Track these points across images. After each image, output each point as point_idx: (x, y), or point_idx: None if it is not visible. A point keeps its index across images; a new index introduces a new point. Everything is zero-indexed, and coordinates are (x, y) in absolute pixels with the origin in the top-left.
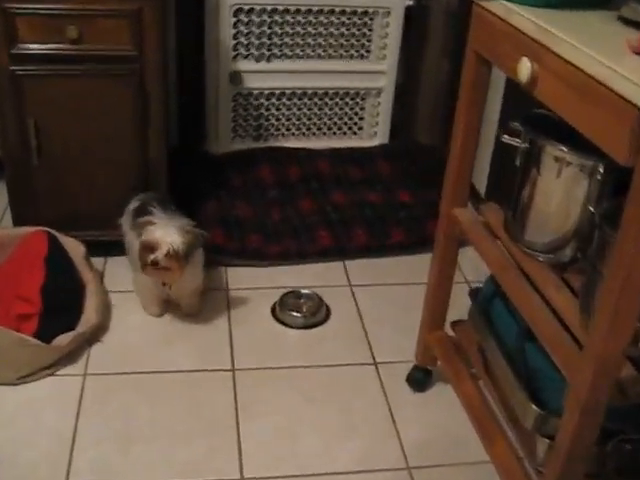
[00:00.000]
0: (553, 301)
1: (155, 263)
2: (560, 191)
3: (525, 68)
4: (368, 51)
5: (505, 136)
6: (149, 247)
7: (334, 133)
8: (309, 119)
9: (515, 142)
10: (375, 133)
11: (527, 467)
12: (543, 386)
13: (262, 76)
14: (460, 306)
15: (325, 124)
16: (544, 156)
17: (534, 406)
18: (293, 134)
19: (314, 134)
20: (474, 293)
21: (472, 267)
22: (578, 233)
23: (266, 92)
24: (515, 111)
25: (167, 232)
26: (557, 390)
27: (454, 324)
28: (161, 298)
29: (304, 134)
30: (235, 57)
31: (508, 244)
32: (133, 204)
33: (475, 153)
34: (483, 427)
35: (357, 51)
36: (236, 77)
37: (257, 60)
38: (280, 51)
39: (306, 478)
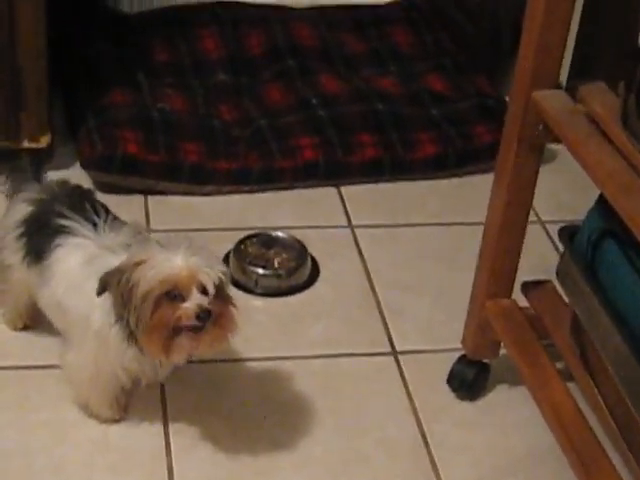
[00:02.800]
0: None
1: (202, 317)
2: None
3: None
4: None
5: None
6: (170, 294)
7: None
8: None
9: None
10: None
11: None
12: None
13: None
14: (535, 260)
15: None
16: None
17: None
18: None
19: None
20: (568, 233)
21: (549, 195)
22: None
23: None
24: None
25: (190, 257)
26: None
27: (528, 287)
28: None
29: None
30: None
31: (630, 149)
32: (19, 210)
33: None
34: (579, 453)
35: None
36: None
37: None
38: None
39: None
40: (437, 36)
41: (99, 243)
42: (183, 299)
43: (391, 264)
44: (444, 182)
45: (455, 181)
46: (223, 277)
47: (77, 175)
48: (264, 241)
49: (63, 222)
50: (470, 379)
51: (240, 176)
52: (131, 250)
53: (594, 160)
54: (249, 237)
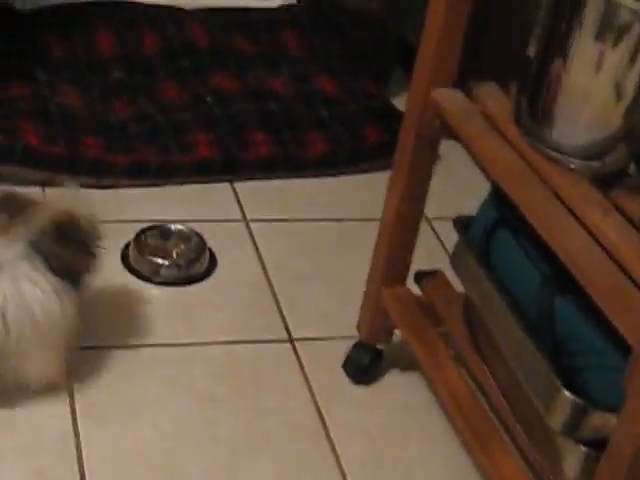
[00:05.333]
0: (599, 231)
1: None
2: (612, 60)
3: None
4: None
5: None
6: None
7: None
8: None
9: None
10: None
11: None
12: (582, 364)
13: None
14: (422, 252)
15: None
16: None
17: (568, 393)
18: None
19: None
20: (462, 223)
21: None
22: (635, 129)
23: None
24: None
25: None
26: (605, 370)
27: (421, 276)
28: None
29: None
30: None
31: (521, 145)
32: None
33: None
34: (475, 431)
35: None
36: None
37: None
38: None
39: None
40: (325, 40)
41: None
42: None
43: (285, 256)
44: (334, 180)
45: (345, 179)
46: None
47: None
48: (163, 233)
49: None
50: (365, 364)
51: (138, 170)
52: None
53: (492, 155)
54: (148, 229)
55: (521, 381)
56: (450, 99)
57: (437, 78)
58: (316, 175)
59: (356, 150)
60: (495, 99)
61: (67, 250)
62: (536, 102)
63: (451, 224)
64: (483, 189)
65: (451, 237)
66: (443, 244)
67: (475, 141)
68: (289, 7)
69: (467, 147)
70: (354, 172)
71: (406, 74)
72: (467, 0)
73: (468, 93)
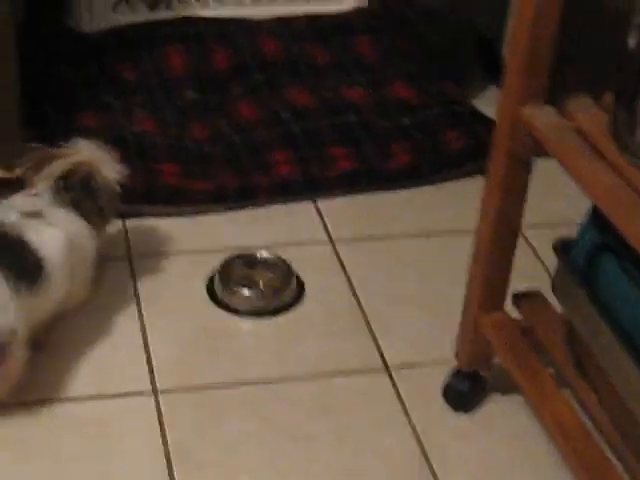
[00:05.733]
0: None
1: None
2: None
3: None
4: None
5: None
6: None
7: None
8: None
9: None
10: None
11: None
12: None
13: None
14: (518, 270)
15: None
16: None
17: None
18: None
19: None
20: (563, 246)
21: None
22: None
23: None
24: None
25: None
26: None
27: (519, 298)
28: None
29: None
30: None
31: (620, 162)
32: None
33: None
34: (584, 461)
35: None
36: None
37: None
38: None
39: None
40: (400, 44)
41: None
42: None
43: (375, 277)
44: (419, 190)
45: (429, 189)
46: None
47: None
48: (248, 261)
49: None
50: (465, 392)
51: (218, 196)
52: None
53: (589, 176)
54: (233, 258)
55: (633, 411)
56: (542, 116)
57: (527, 95)
58: (400, 187)
59: (440, 158)
60: (588, 113)
61: (87, 199)
62: (635, 112)
63: (543, 231)
64: (569, 190)
65: (544, 247)
66: (536, 252)
67: (571, 161)
68: (360, 10)
69: (565, 168)
70: (439, 181)
71: (486, 72)
72: (557, 10)
73: (559, 107)
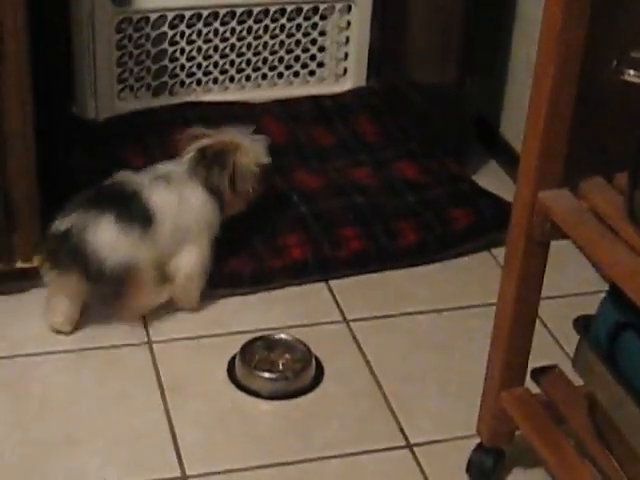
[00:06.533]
0: None
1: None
2: None
3: None
4: None
5: (630, 72)
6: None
7: (280, 75)
8: (240, 55)
9: None
10: (344, 71)
11: None
12: None
13: None
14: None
15: (265, 62)
16: None
17: None
18: (216, 80)
19: (250, 78)
20: (584, 323)
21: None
22: None
23: (170, 15)
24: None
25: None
26: None
27: (538, 374)
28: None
29: (234, 79)
30: None
31: (637, 242)
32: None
33: (572, 97)
34: None
35: None
36: None
37: None
38: None
39: None
40: (401, 121)
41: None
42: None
43: (392, 355)
44: (428, 268)
45: (437, 266)
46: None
47: None
48: (267, 344)
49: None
50: (489, 467)
51: (233, 280)
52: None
53: (609, 259)
54: (252, 340)
55: None
56: (559, 200)
57: (543, 180)
58: (409, 265)
59: (447, 235)
60: (604, 195)
61: (218, 171)
62: None
63: (555, 305)
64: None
65: (557, 321)
66: (547, 327)
67: (590, 245)
68: (359, 90)
69: (585, 251)
70: (445, 258)
71: (486, 149)
72: (571, 97)
73: (574, 190)
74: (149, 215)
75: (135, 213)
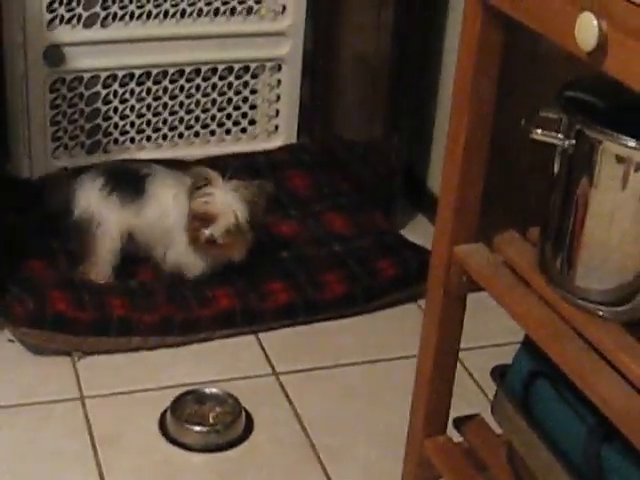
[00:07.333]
0: (636, 377)
1: (212, 241)
2: (628, 209)
3: (589, 29)
4: (259, 1)
5: (538, 131)
6: (203, 219)
7: (212, 133)
8: (172, 113)
9: (553, 138)
10: (275, 128)
11: None
12: None
13: (96, 49)
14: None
15: (197, 120)
16: (601, 157)
17: None
18: (149, 138)
19: (183, 136)
20: (500, 372)
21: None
22: None
23: (103, 75)
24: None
25: (228, 200)
26: None
27: (460, 422)
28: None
29: (166, 137)
30: (51, 22)
31: (547, 293)
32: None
33: (485, 155)
34: None
35: (242, 2)
36: (55, 54)
37: (86, 25)
38: (122, 8)
39: None
40: (331, 176)
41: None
42: (208, 225)
43: (321, 407)
44: (354, 319)
45: (365, 317)
46: (239, 218)
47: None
48: (198, 398)
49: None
50: None
51: (163, 327)
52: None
53: (522, 310)
54: (183, 394)
55: None
56: (473, 254)
57: (459, 235)
58: (336, 317)
59: (373, 287)
60: (517, 248)
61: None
62: (557, 250)
63: (481, 354)
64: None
65: (482, 371)
66: (473, 377)
67: (502, 296)
68: (290, 147)
69: (499, 302)
70: (374, 309)
71: (413, 202)
72: (484, 155)
73: (489, 243)
74: (141, 188)
75: (129, 180)
